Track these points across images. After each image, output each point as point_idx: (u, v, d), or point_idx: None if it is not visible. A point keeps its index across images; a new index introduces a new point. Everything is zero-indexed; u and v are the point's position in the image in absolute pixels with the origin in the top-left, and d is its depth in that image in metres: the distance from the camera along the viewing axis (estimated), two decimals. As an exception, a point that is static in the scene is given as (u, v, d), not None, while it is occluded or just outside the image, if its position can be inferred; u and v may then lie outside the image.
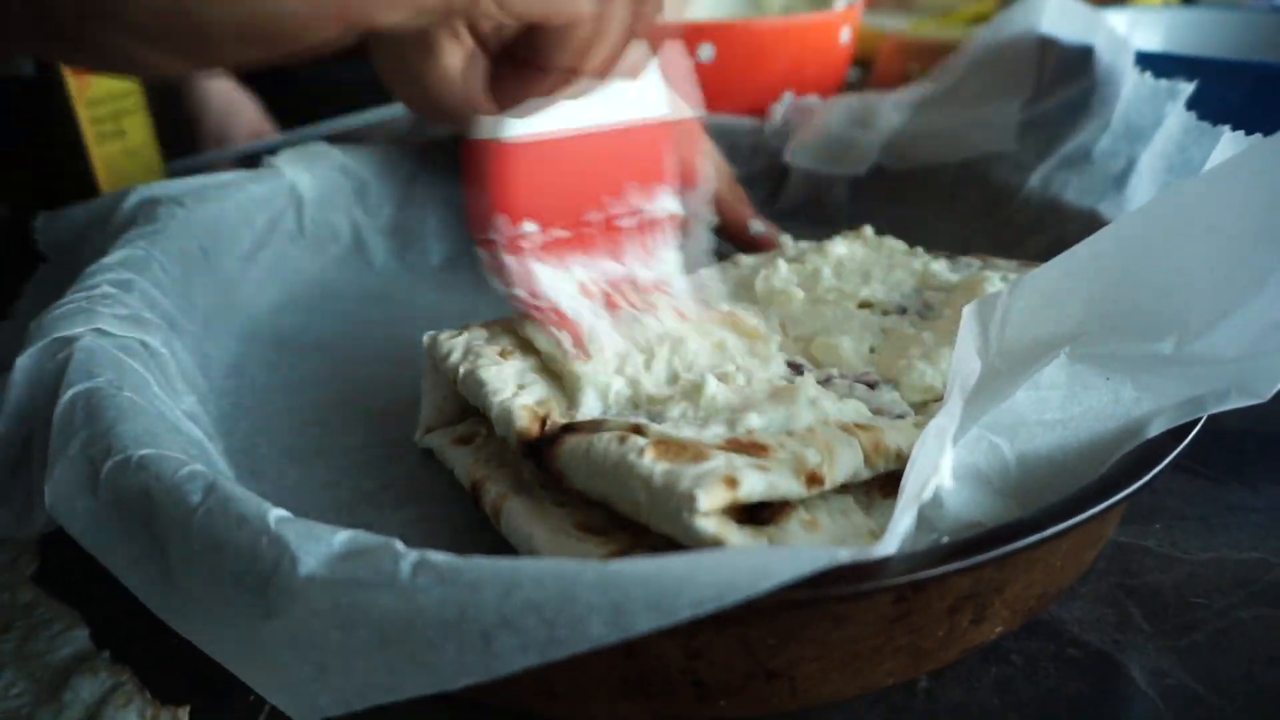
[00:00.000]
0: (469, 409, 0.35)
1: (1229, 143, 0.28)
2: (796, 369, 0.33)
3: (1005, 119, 0.52)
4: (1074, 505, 0.22)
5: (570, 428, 0.28)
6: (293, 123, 0.84)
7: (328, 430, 0.37)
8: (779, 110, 0.63)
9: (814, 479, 0.25)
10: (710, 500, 0.23)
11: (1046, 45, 0.52)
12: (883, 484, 0.28)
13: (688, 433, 0.27)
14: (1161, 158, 0.45)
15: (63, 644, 0.28)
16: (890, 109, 0.58)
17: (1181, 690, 0.25)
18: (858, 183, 0.58)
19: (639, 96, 0.38)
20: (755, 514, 0.25)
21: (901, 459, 0.27)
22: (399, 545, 0.20)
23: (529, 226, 0.36)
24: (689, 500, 0.23)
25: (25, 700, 0.26)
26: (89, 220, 0.45)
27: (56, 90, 0.52)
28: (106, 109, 0.55)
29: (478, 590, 0.19)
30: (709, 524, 0.23)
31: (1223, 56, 0.54)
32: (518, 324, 0.35)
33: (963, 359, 0.25)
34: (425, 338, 0.35)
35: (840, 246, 0.42)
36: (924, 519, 0.24)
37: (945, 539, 0.23)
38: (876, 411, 0.30)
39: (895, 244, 0.43)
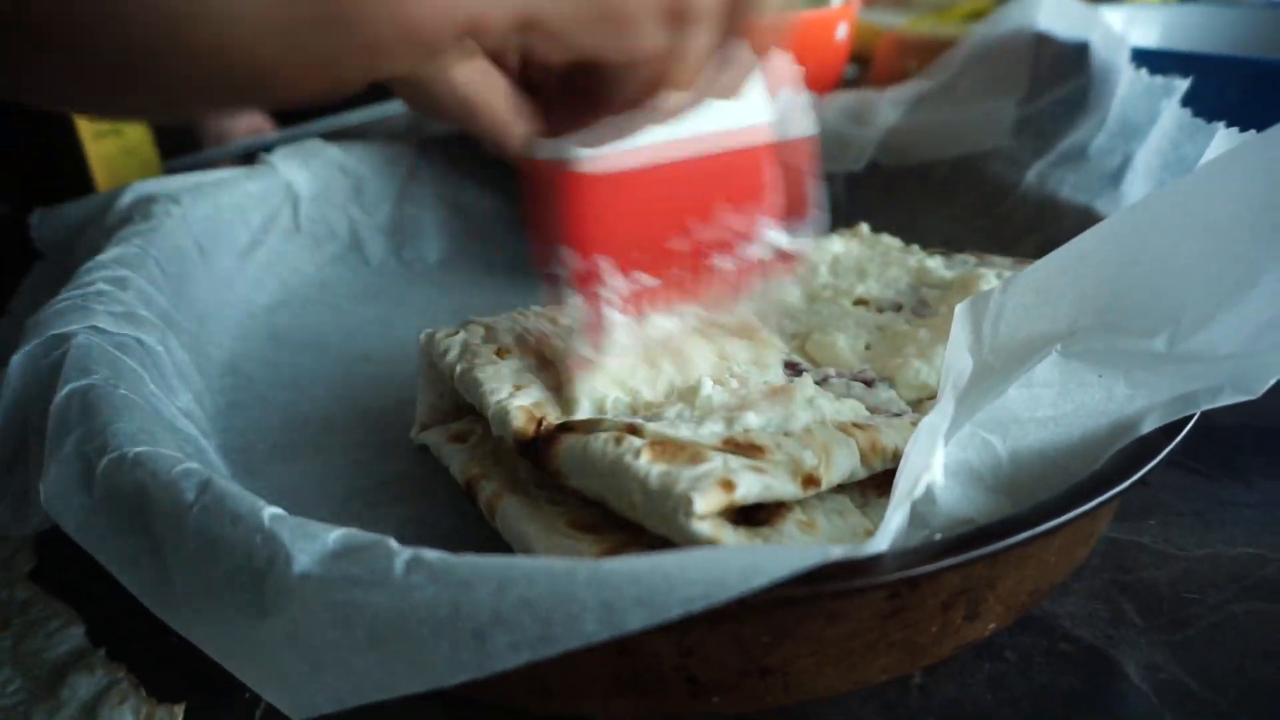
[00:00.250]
0: (465, 407, 0.35)
1: (1223, 139, 0.28)
2: (794, 368, 0.33)
3: (1001, 116, 0.52)
4: (1066, 502, 0.22)
5: (566, 427, 0.28)
6: (291, 121, 0.84)
7: (323, 427, 0.38)
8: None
9: (810, 480, 0.25)
10: (707, 503, 0.23)
11: (1042, 42, 0.52)
12: (878, 482, 0.28)
13: (684, 432, 0.27)
14: (1157, 154, 0.45)
15: (59, 641, 0.28)
16: (887, 106, 0.58)
17: (1175, 685, 0.25)
18: (854, 179, 0.58)
19: (737, 108, 0.32)
20: (751, 515, 0.26)
21: (898, 458, 0.27)
22: (393, 543, 0.20)
23: (624, 275, 0.31)
24: (685, 503, 0.23)
25: (21, 697, 0.26)
26: (85, 218, 0.45)
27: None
28: (102, 107, 0.54)
29: (471, 588, 0.19)
30: (705, 526, 0.23)
31: (1218, 53, 0.54)
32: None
33: (955, 356, 0.25)
34: (422, 336, 0.35)
35: (836, 244, 0.42)
36: (917, 515, 0.24)
37: (938, 535, 0.23)
38: (873, 410, 0.30)
39: (891, 241, 0.43)
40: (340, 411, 0.39)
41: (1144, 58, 0.48)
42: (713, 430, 0.27)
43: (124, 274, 0.36)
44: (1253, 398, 0.24)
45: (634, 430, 0.27)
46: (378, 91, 0.27)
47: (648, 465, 0.25)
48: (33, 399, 0.29)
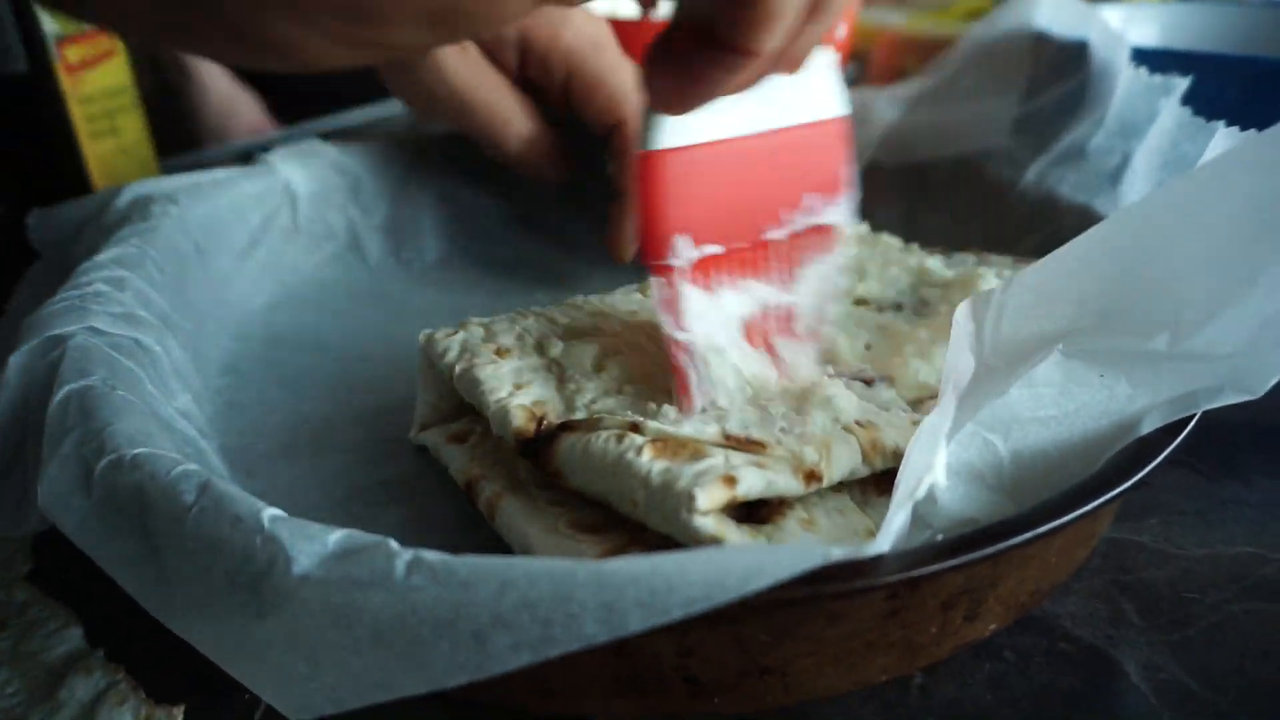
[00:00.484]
0: (464, 407, 0.35)
1: (1223, 138, 0.28)
2: None
3: (1000, 114, 0.52)
4: (1067, 502, 0.22)
5: (567, 426, 0.28)
6: (291, 119, 0.84)
7: (322, 428, 0.37)
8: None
9: (812, 476, 0.25)
10: (709, 499, 0.23)
11: (1041, 41, 0.52)
12: (878, 481, 0.28)
13: (685, 429, 0.27)
14: (1156, 153, 0.45)
15: (57, 643, 0.28)
16: (885, 104, 0.57)
17: (1175, 685, 0.25)
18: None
19: (812, 93, 0.32)
20: (753, 512, 0.26)
21: (899, 457, 0.27)
22: (393, 544, 0.20)
23: (698, 247, 0.31)
24: (688, 499, 0.23)
25: (19, 700, 0.26)
26: (82, 218, 0.45)
27: (49, 88, 0.52)
28: (99, 106, 0.54)
29: (472, 589, 0.19)
30: (707, 523, 0.23)
31: (1217, 51, 0.54)
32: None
33: (956, 356, 0.25)
34: (421, 336, 0.35)
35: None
36: (918, 516, 0.24)
37: (939, 536, 0.23)
38: (875, 408, 0.30)
39: (890, 240, 0.43)
40: (339, 412, 0.39)
41: (1143, 57, 0.48)
42: (714, 427, 0.27)
43: (121, 274, 0.36)
44: (1254, 397, 0.24)
45: (635, 428, 0.27)
46: (376, 91, 0.27)
47: (649, 462, 0.25)
48: (30, 400, 0.29)
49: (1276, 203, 0.23)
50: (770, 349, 0.32)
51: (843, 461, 0.26)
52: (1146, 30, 0.62)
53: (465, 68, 0.48)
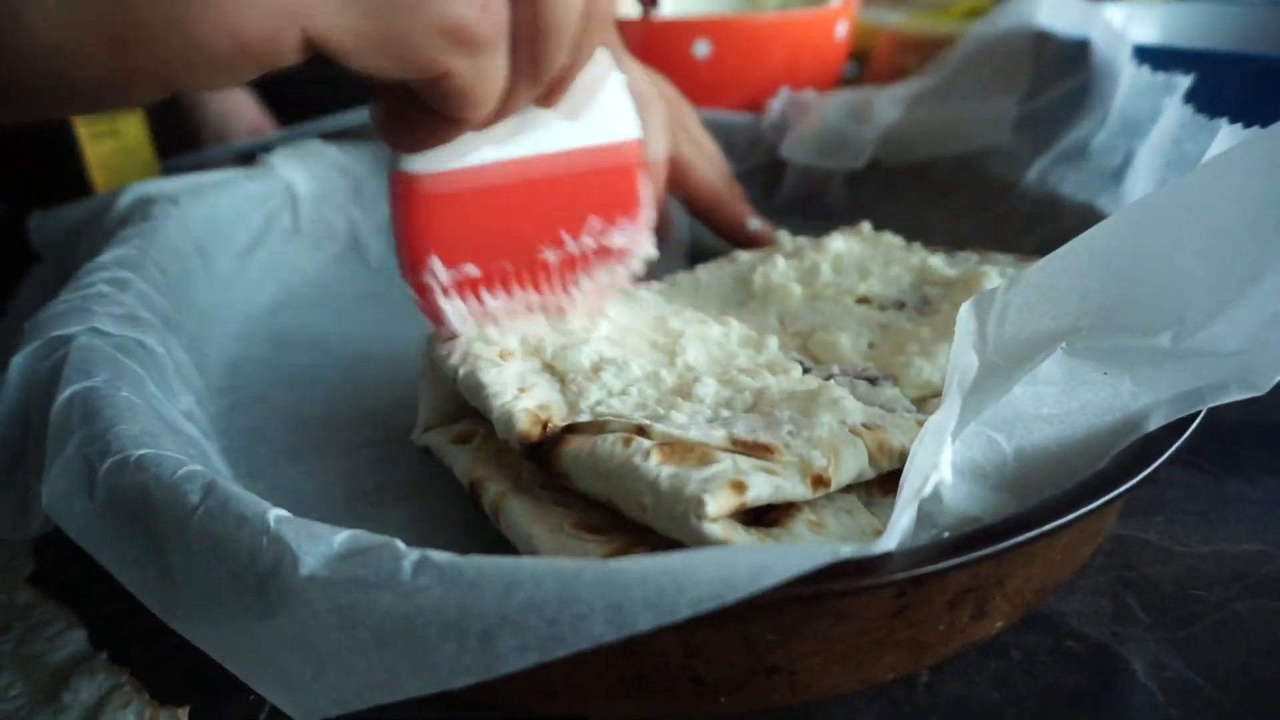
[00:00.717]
0: (467, 408, 0.34)
1: (1226, 136, 0.28)
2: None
3: (1001, 113, 0.52)
4: (1072, 500, 0.22)
5: (573, 429, 0.28)
6: (292, 120, 0.84)
7: (325, 429, 0.37)
8: (775, 105, 0.63)
9: (820, 481, 0.25)
10: (718, 505, 0.23)
11: (1043, 39, 0.52)
12: (883, 481, 0.28)
13: (692, 433, 0.27)
14: (1158, 151, 0.45)
15: (61, 645, 0.28)
16: (887, 103, 0.57)
17: (1180, 682, 0.25)
18: (854, 177, 0.58)
19: (603, 119, 0.33)
20: (760, 516, 0.25)
21: (905, 458, 0.27)
22: (400, 545, 0.20)
23: (451, 269, 0.32)
24: (697, 505, 0.23)
25: (23, 702, 0.26)
26: (84, 219, 0.45)
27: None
28: (100, 107, 0.54)
29: (478, 590, 0.19)
30: (716, 529, 0.23)
31: (1219, 49, 0.54)
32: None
33: (960, 355, 0.25)
34: (422, 338, 0.35)
35: (838, 242, 0.42)
36: (924, 515, 0.24)
37: (945, 534, 0.23)
38: (879, 407, 0.30)
39: (893, 239, 0.43)
40: (342, 412, 0.39)
41: (1145, 55, 0.48)
42: (721, 431, 0.27)
43: (124, 275, 0.36)
44: (1259, 394, 0.24)
45: (643, 432, 0.27)
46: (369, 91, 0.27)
47: (657, 467, 0.25)
48: (33, 401, 0.29)
49: (1279, 199, 0.23)
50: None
51: (850, 465, 0.26)
52: (1147, 29, 0.62)
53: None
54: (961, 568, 0.21)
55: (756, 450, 0.26)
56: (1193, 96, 0.44)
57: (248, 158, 0.53)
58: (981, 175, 0.52)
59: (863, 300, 0.38)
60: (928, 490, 0.20)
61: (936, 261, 0.40)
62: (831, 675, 0.24)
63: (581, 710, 0.25)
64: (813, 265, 0.40)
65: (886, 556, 0.20)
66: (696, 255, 0.49)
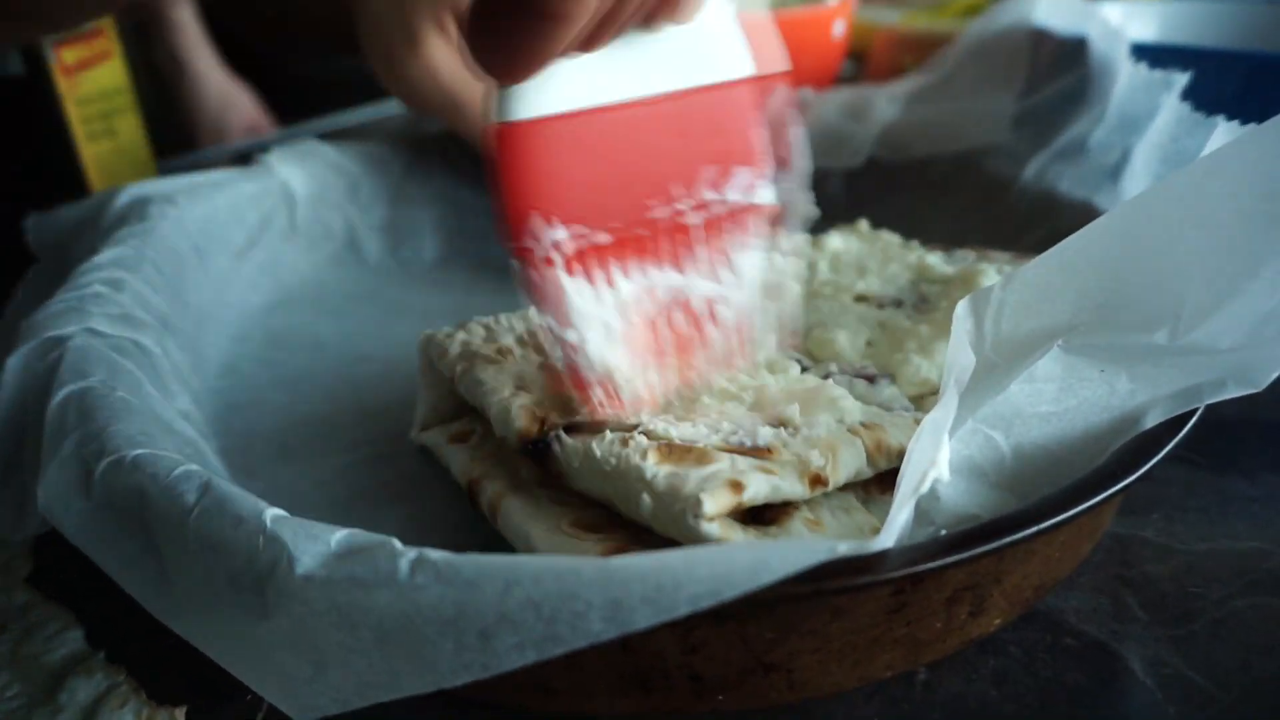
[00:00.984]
0: (465, 407, 0.34)
1: (1223, 133, 0.28)
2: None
3: (999, 111, 0.52)
4: (1070, 497, 0.22)
5: (572, 428, 0.28)
6: (290, 119, 0.84)
7: (322, 429, 0.37)
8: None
9: (817, 480, 0.25)
10: (716, 505, 0.23)
11: (1040, 37, 0.52)
12: (881, 480, 0.28)
13: (691, 433, 0.27)
14: (1156, 148, 0.45)
15: (58, 645, 0.28)
16: (885, 102, 0.57)
17: (1179, 679, 0.25)
18: (852, 176, 0.57)
19: (710, 51, 0.28)
20: (758, 515, 0.25)
21: (903, 456, 0.27)
22: (397, 544, 0.20)
23: (569, 229, 0.27)
24: (694, 504, 0.23)
25: (20, 702, 0.26)
26: (80, 220, 0.45)
27: (45, 89, 0.52)
28: (96, 108, 0.54)
29: (476, 588, 0.18)
30: (714, 528, 0.23)
31: (1216, 46, 0.54)
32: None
33: (958, 353, 0.25)
34: (421, 336, 0.35)
35: (835, 240, 0.42)
36: (921, 512, 0.24)
37: (942, 531, 0.23)
38: (878, 406, 0.30)
39: (891, 237, 0.43)
40: (339, 412, 0.39)
41: (1142, 52, 0.48)
42: (720, 432, 0.27)
43: (120, 276, 0.36)
44: (1257, 390, 0.24)
45: (640, 430, 0.27)
46: (374, 92, 0.27)
47: (655, 467, 0.25)
48: (29, 402, 0.29)
49: (1275, 195, 0.23)
50: (683, 351, 0.29)
51: (848, 464, 0.26)
52: (1145, 26, 0.62)
53: (457, 65, 0.48)
54: (959, 565, 0.21)
55: (754, 450, 0.26)
56: (1190, 94, 0.44)
57: (245, 158, 0.53)
58: (979, 173, 0.52)
59: (861, 298, 0.38)
60: (925, 487, 0.20)
61: (934, 259, 0.40)
62: (829, 673, 0.24)
63: (581, 708, 0.25)
64: (810, 263, 0.40)
65: (883, 554, 0.20)
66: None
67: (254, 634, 0.20)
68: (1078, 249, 0.25)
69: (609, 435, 0.27)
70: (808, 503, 0.26)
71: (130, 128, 0.57)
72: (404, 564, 0.19)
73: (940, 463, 0.20)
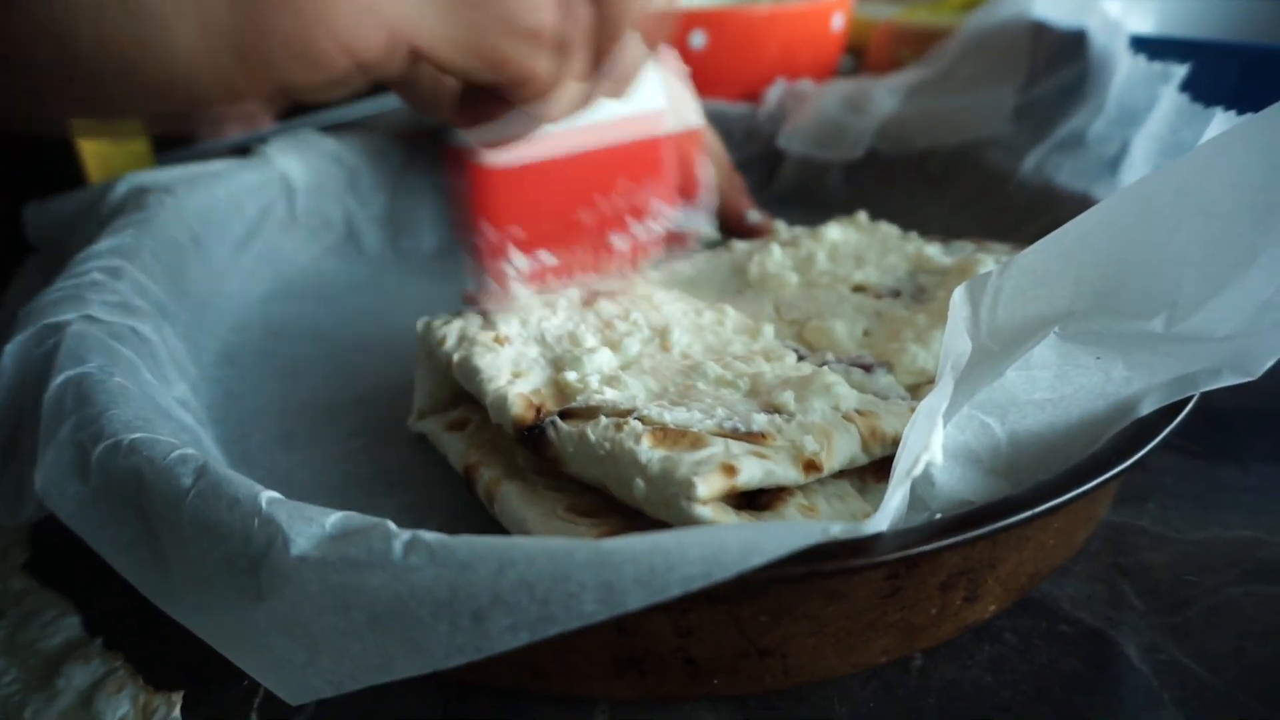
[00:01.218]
0: (462, 395, 0.35)
1: (1220, 124, 0.28)
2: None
3: (998, 103, 0.52)
4: (1063, 483, 0.22)
5: (566, 413, 0.28)
6: (288, 113, 0.83)
7: (320, 417, 0.37)
8: (772, 96, 0.63)
9: (812, 466, 0.25)
10: (709, 488, 0.23)
11: (1039, 30, 0.52)
12: (877, 467, 0.28)
13: (684, 417, 0.27)
14: (1155, 140, 0.45)
15: (55, 632, 0.28)
16: (884, 94, 0.57)
17: (1174, 666, 0.25)
18: (851, 168, 0.57)
19: (635, 96, 0.36)
20: (753, 500, 0.25)
21: (898, 443, 0.27)
22: (391, 525, 0.20)
23: (514, 231, 0.36)
24: (687, 487, 0.23)
25: (17, 688, 0.26)
26: (78, 209, 0.45)
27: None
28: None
29: (470, 569, 0.19)
30: (707, 511, 0.23)
31: (1215, 38, 0.54)
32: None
33: (953, 339, 0.25)
34: (419, 324, 0.35)
35: (834, 231, 0.42)
36: (916, 498, 0.24)
37: (938, 517, 0.23)
38: (874, 395, 0.30)
39: (889, 228, 0.43)
40: (337, 401, 0.39)
41: (1141, 44, 0.48)
42: (715, 418, 0.27)
43: (118, 264, 0.36)
44: (1252, 378, 0.24)
45: (635, 416, 0.27)
46: (373, 85, 0.28)
47: (649, 451, 0.25)
48: (27, 388, 0.29)
49: (1274, 183, 0.23)
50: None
51: (843, 450, 0.26)
52: (1144, 19, 0.62)
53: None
54: (953, 549, 0.21)
55: (749, 435, 0.26)
56: (1188, 86, 0.44)
57: (244, 150, 0.53)
58: (979, 165, 0.52)
59: (858, 289, 0.38)
60: (919, 470, 0.20)
61: (933, 250, 0.40)
62: (824, 657, 0.24)
63: (577, 691, 0.25)
64: (809, 254, 0.40)
65: (877, 537, 0.20)
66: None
67: (249, 616, 0.20)
68: (1075, 236, 0.25)
69: (603, 420, 0.27)
70: (803, 489, 0.26)
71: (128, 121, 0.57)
72: (398, 545, 0.19)
73: (934, 446, 0.20)
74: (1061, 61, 0.50)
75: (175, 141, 0.63)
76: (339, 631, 0.19)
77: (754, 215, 0.51)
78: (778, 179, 0.60)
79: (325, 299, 0.48)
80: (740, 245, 0.43)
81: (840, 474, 0.27)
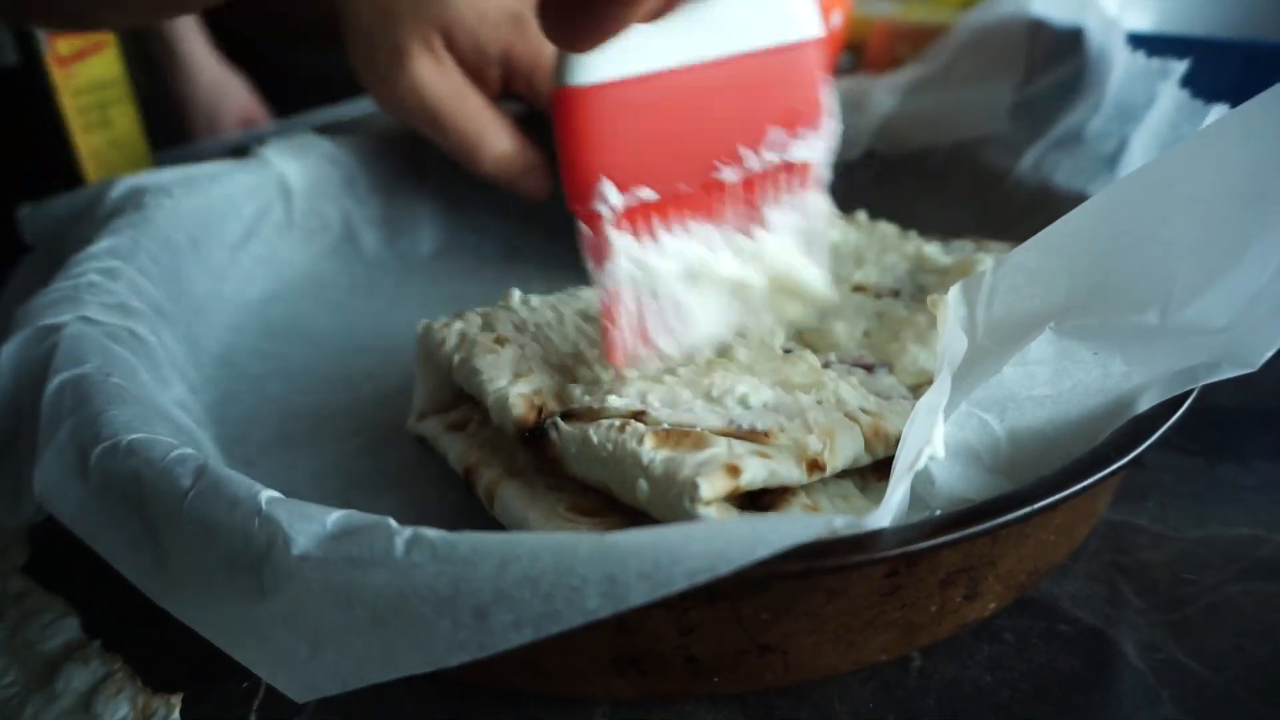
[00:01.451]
0: (461, 395, 0.34)
1: (1216, 117, 0.28)
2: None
3: (996, 101, 0.52)
4: (1064, 479, 0.22)
5: (569, 415, 0.28)
6: (286, 111, 0.83)
7: (319, 419, 0.37)
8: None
9: (815, 466, 0.25)
10: (713, 488, 0.23)
11: (1037, 26, 0.52)
12: (879, 467, 0.28)
13: (687, 418, 0.26)
14: (1154, 137, 0.45)
15: (54, 633, 0.28)
16: (882, 93, 0.57)
17: (1173, 665, 0.25)
18: (850, 167, 0.57)
19: (780, 16, 0.29)
20: (756, 500, 0.25)
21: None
22: (392, 523, 0.20)
23: (632, 192, 0.28)
24: (691, 488, 0.23)
25: (16, 690, 0.26)
26: (75, 210, 0.45)
27: (40, 80, 0.51)
28: (91, 99, 0.54)
29: (473, 565, 0.18)
30: (710, 512, 0.23)
31: (1213, 35, 0.54)
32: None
33: (950, 338, 0.25)
34: (419, 326, 0.35)
35: (833, 231, 0.42)
36: (917, 497, 0.24)
37: (937, 513, 0.23)
38: (876, 395, 0.30)
39: (888, 228, 0.43)
40: (335, 402, 0.39)
41: (1139, 42, 0.48)
42: (718, 413, 0.27)
43: (115, 265, 0.36)
44: (1251, 370, 0.24)
45: (637, 417, 0.27)
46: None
47: (651, 452, 0.25)
48: (24, 389, 0.29)
49: (1264, 172, 0.23)
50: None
51: (846, 450, 0.26)
52: (1141, 15, 0.62)
53: (442, 83, 0.48)
54: (953, 546, 0.21)
55: (752, 435, 0.26)
56: (1186, 83, 0.44)
57: (241, 151, 0.53)
58: (977, 163, 0.52)
59: (858, 288, 0.38)
60: (921, 463, 0.20)
61: (932, 249, 0.40)
62: (824, 655, 0.24)
63: (577, 691, 0.25)
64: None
65: (876, 534, 0.20)
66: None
67: (250, 615, 0.20)
68: (1067, 232, 0.25)
69: (605, 421, 0.27)
70: (806, 489, 0.26)
71: (126, 119, 0.57)
72: (400, 542, 0.19)
73: (935, 440, 0.21)
74: (1059, 59, 0.50)
75: (172, 142, 0.63)
76: (342, 629, 0.19)
77: None
78: (776, 179, 0.60)
79: (323, 300, 0.48)
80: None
81: (844, 473, 0.27)
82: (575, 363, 0.31)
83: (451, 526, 0.30)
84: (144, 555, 0.23)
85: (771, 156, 0.30)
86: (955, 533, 0.20)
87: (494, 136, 0.49)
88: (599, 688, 0.24)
